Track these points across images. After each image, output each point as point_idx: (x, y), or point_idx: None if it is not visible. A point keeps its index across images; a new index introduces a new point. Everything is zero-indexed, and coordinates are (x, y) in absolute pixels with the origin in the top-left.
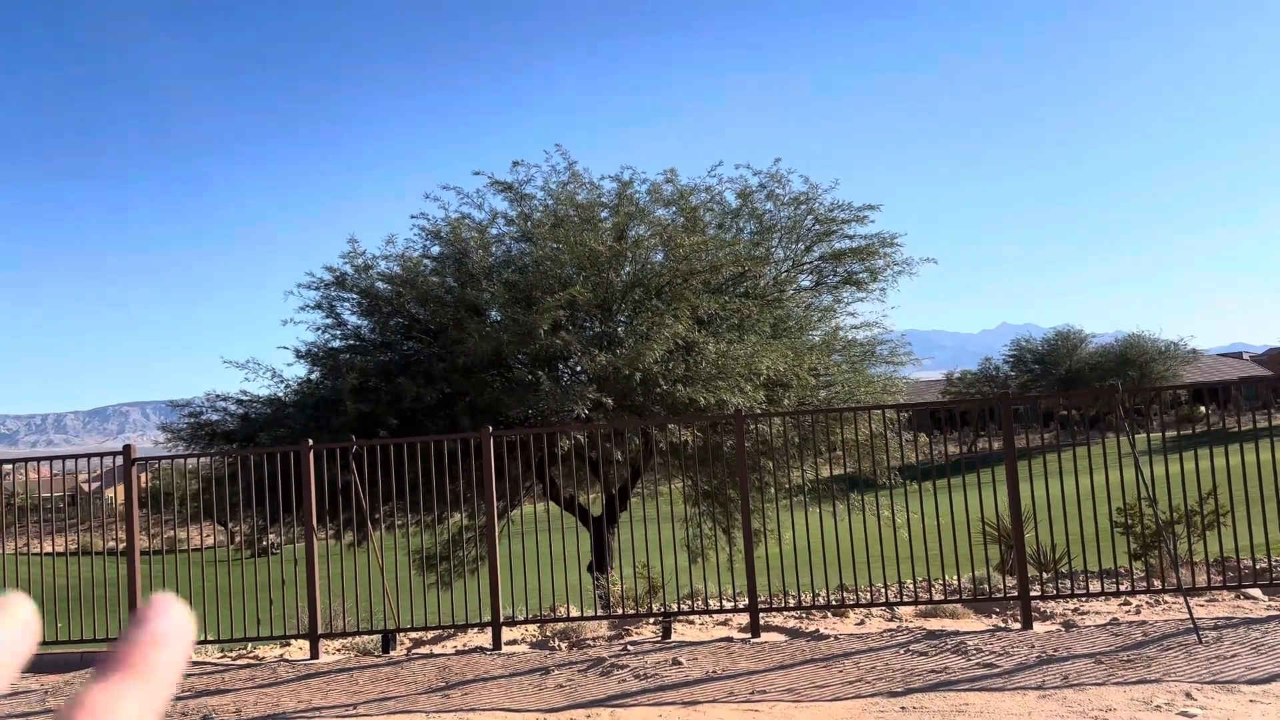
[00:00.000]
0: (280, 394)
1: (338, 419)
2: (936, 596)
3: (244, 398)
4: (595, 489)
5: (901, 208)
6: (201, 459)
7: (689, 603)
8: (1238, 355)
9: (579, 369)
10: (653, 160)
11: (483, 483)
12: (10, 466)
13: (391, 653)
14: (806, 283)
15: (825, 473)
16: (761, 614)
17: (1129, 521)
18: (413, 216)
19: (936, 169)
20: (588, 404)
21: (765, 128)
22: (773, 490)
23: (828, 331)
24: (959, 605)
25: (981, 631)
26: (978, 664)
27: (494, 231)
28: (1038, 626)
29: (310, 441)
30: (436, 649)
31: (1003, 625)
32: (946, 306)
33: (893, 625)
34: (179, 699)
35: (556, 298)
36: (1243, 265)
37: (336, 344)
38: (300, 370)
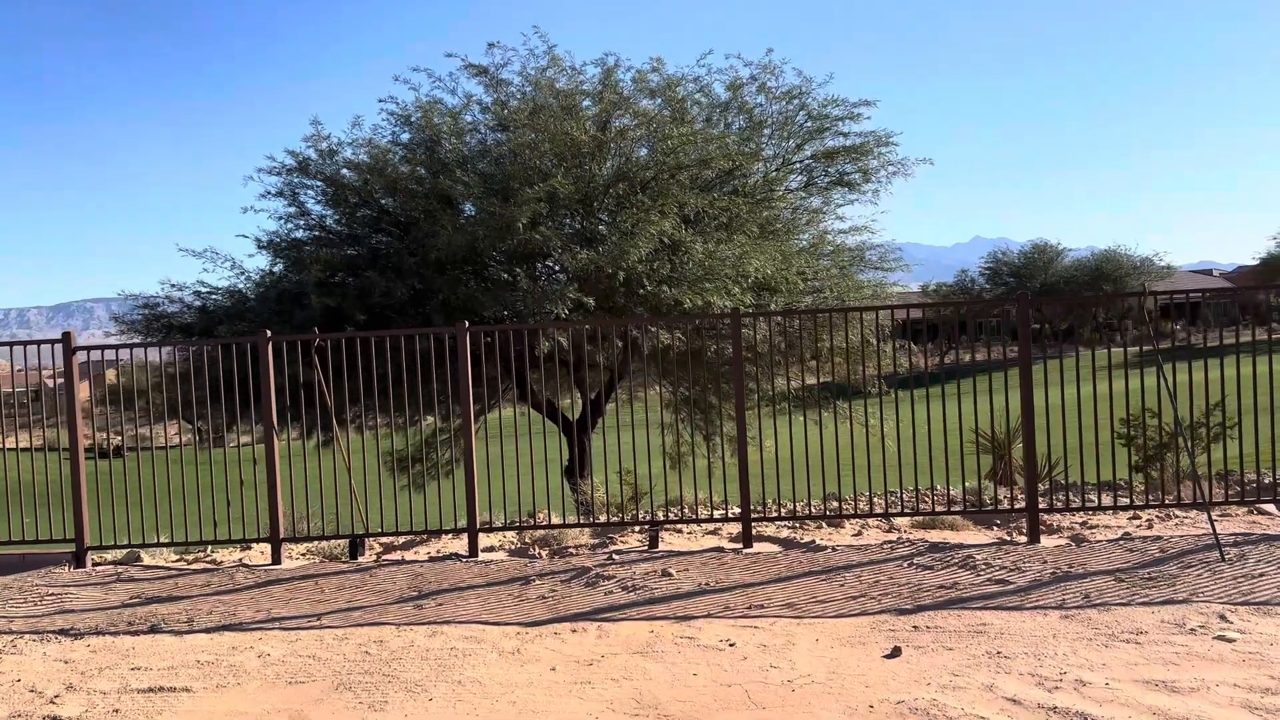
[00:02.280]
0: (241, 286)
1: (301, 313)
2: (938, 508)
3: (202, 289)
4: (574, 394)
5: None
6: (151, 350)
7: (677, 510)
8: (1207, 272)
9: (559, 267)
10: (638, 50)
11: (458, 382)
12: None
13: (360, 559)
14: (795, 183)
15: (813, 380)
16: (754, 524)
17: (1131, 432)
18: (381, 101)
19: (906, 69)
20: (568, 304)
21: (738, 20)
22: (756, 397)
23: (815, 235)
24: (958, 518)
25: (987, 545)
26: (989, 580)
27: (468, 118)
28: (1045, 541)
29: (269, 333)
30: (408, 555)
31: (1008, 539)
32: (919, 218)
33: (891, 537)
34: (126, 606)
35: (535, 189)
36: (1212, 185)
37: (300, 234)
38: (262, 261)
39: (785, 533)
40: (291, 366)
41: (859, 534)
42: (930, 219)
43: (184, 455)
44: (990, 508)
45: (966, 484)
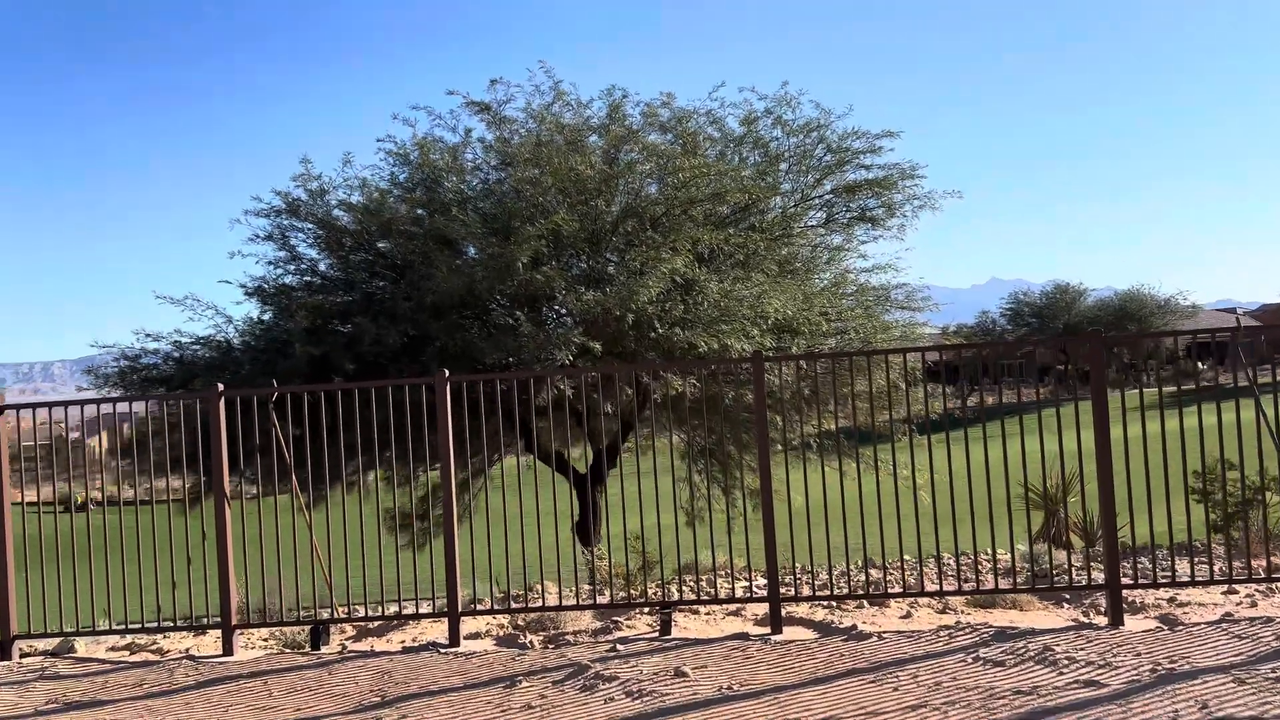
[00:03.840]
0: (227, 335)
1: (285, 363)
2: (1001, 583)
3: (181, 338)
4: (581, 444)
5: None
6: (88, 408)
7: (692, 583)
8: (1230, 310)
9: (564, 310)
10: (647, 86)
11: (436, 439)
12: None
13: (323, 649)
14: (815, 219)
15: (843, 426)
16: (783, 603)
17: (1208, 486)
18: (379, 140)
19: (915, 108)
20: (573, 349)
21: (756, 56)
22: (780, 447)
23: (837, 273)
24: (1022, 594)
25: (1062, 630)
26: (1076, 680)
27: (469, 156)
28: (1130, 623)
29: (220, 387)
30: (379, 644)
31: (1085, 621)
32: (935, 259)
33: (947, 620)
34: (38, 716)
35: (537, 227)
36: (1228, 222)
37: (291, 280)
38: (250, 309)
39: (820, 613)
40: (247, 422)
41: (908, 615)
42: (946, 260)
43: (137, 523)
44: (1062, 583)
45: (1019, 547)
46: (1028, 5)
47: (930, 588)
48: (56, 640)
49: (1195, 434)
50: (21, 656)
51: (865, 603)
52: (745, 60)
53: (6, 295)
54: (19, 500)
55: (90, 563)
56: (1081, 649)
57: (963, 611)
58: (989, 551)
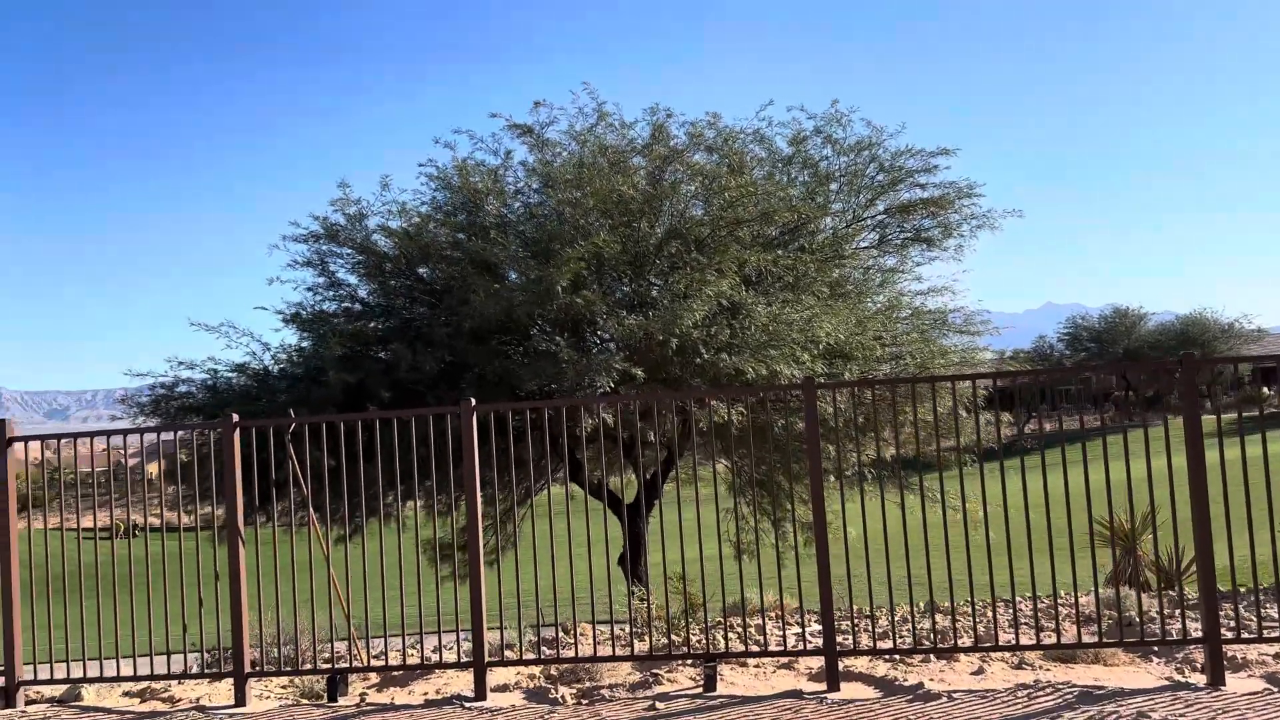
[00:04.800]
0: (265, 363)
1: (320, 391)
2: (1080, 634)
3: (216, 366)
4: (624, 473)
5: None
6: (98, 439)
7: (739, 628)
8: None
9: (606, 335)
10: (692, 108)
11: (462, 471)
12: None
13: (341, 700)
14: (867, 240)
15: (898, 456)
16: (840, 656)
17: None
18: (420, 164)
19: (971, 126)
20: (614, 375)
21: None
22: (834, 478)
23: (891, 296)
24: (1104, 645)
25: (1156, 691)
26: None
27: (510, 179)
28: (1232, 682)
29: (235, 417)
30: (400, 696)
31: (1180, 679)
32: (987, 283)
33: (1024, 676)
34: None
35: (578, 249)
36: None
37: (330, 306)
38: (289, 336)
39: (882, 667)
40: (266, 455)
41: (980, 671)
42: (999, 284)
43: (147, 555)
44: (1153, 635)
45: (1099, 591)
46: (1072, 24)
47: (1004, 638)
48: (64, 688)
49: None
50: (27, 704)
51: (932, 656)
52: (793, 80)
53: (73, 322)
54: (67, 526)
55: (98, 597)
56: (1181, 715)
57: (1041, 666)
58: (1063, 593)
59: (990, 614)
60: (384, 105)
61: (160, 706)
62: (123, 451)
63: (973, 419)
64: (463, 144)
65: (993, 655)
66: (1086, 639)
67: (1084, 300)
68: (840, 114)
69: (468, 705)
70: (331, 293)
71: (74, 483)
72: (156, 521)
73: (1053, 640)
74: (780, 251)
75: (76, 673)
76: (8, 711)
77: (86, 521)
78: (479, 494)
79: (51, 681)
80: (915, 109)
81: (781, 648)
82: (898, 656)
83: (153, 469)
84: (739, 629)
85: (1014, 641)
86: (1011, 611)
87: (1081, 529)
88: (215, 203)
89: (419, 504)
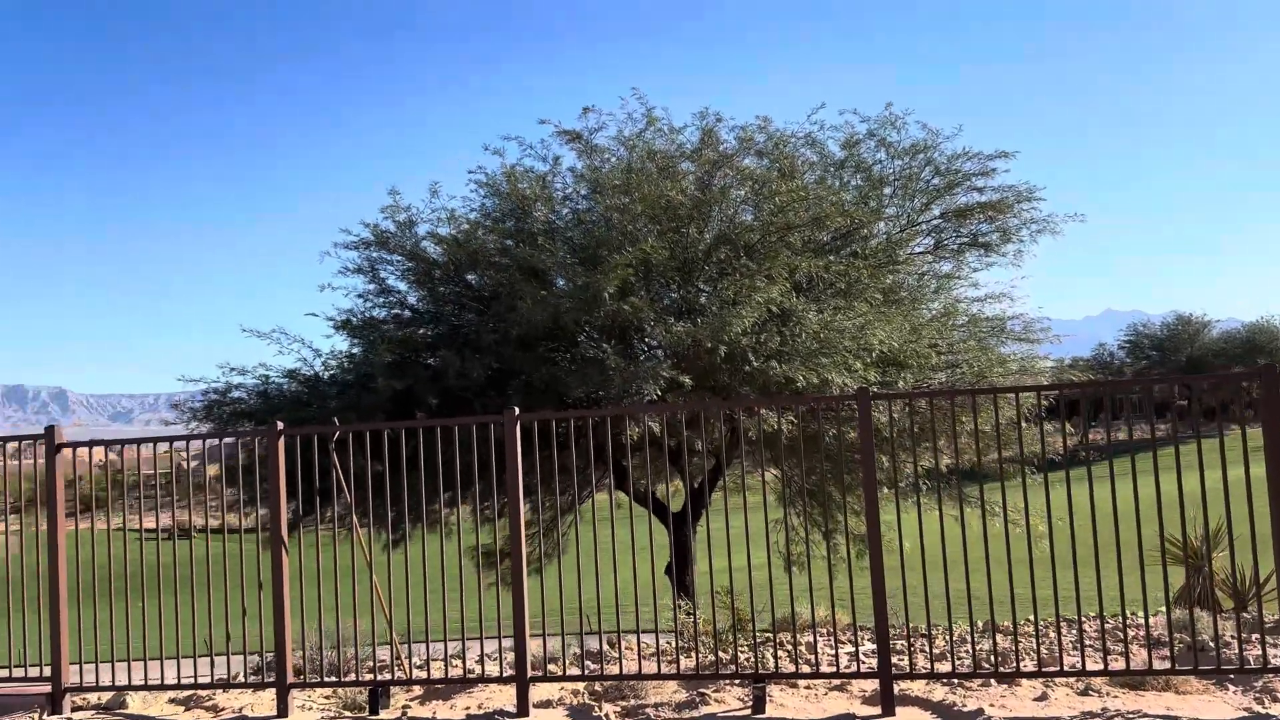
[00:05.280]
0: (316, 369)
1: (369, 398)
2: (1151, 659)
3: (267, 371)
4: (672, 481)
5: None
6: (144, 446)
7: (789, 644)
8: None
9: (654, 342)
10: (743, 110)
11: (505, 480)
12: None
13: (382, 713)
14: (922, 246)
15: (954, 467)
16: (895, 679)
17: None
18: (470, 171)
19: (1035, 132)
20: (661, 383)
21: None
22: (887, 489)
23: (947, 302)
24: (1177, 672)
25: None
26: None
27: (558, 185)
28: None
29: (279, 425)
30: (443, 709)
31: (1260, 710)
32: (1045, 289)
33: (1090, 703)
34: None
35: (625, 255)
36: None
37: (380, 313)
38: (340, 343)
39: (939, 691)
40: (306, 459)
41: (1043, 697)
42: (1057, 290)
43: (191, 564)
44: (1230, 662)
45: (1162, 612)
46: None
47: (1069, 662)
48: (109, 694)
49: None
50: (73, 710)
51: (992, 680)
52: (845, 83)
53: (139, 326)
54: (115, 528)
55: (143, 599)
56: None
57: (1108, 693)
58: (1130, 613)
59: (1053, 635)
60: (434, 113)
61: (204, 716)
62: (169, 456)
63: (1032, 429)
64: (512, 150)
65: (1056, 680)
66: (1157, 664)
67: (1145, 307)
68: (894, 117)
69: None
70: (382, 299)
71: (120, 486)
72: (207, 524)
73: (1121, 665)
74: (832, 257)
75: (122, 675)
76: (54, 718)
77: (137, 523)
78: (522, 503)
79: (97, 688)
80: (973, 112)
81: (834, 669)
82: (956, 680)
83: (213, 470)
84: (789, 646)
85: (1080, 666)
86: (1075, 633)
87: (1148, 545)
88: (280, 205)
89: (465, 511)
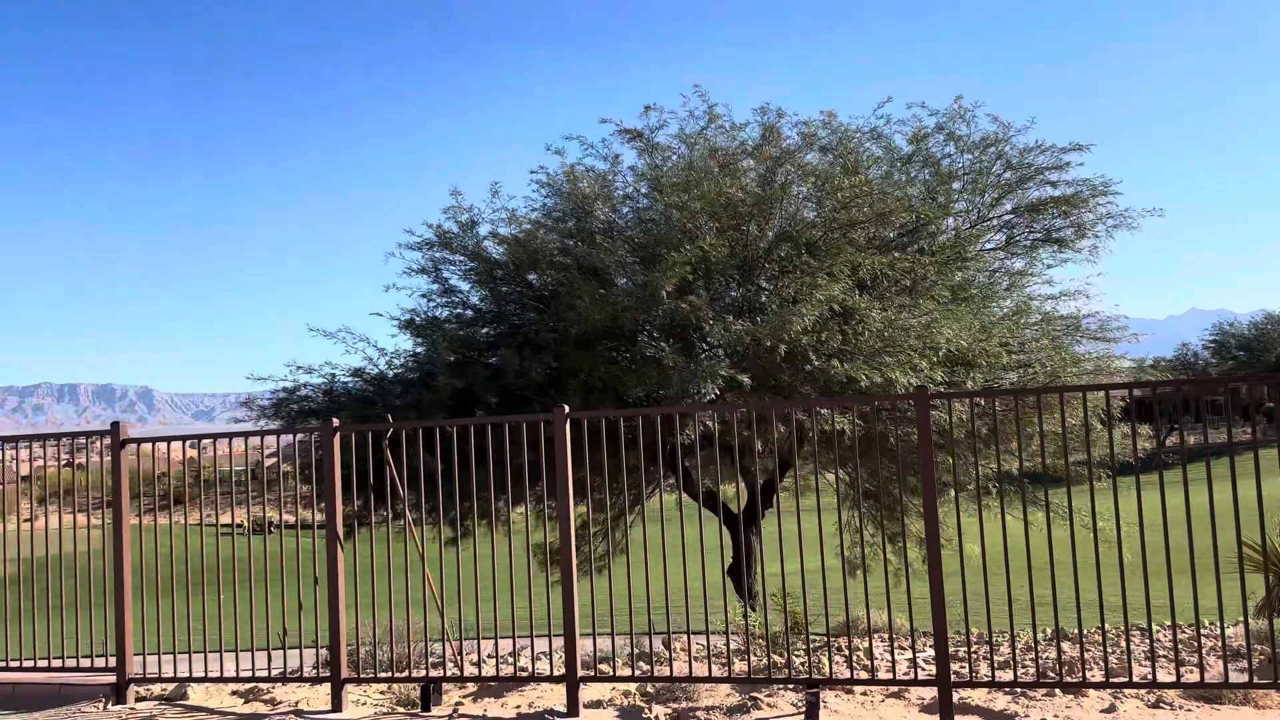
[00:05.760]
0: (380, 368)
1: (429, 396)
2: (1227, 672)
3: (333, 370)
4: (735, 482)
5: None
6: (203, 441)
7: (845, 650)
8: None
9: (714, 341)
10: (806, 104)
11: (556, 479)
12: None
13: (434, 709)
14: (993, 242)
15: (1020, 468)
16: (955, 688)
17: None
18: (532, 172)
19: (1115, 125)
20: (719, 382)
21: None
22: (952, 491)
23: (1019, 300)
24: (1257, 686)
25: None
26: None
27: (618, 184)
28: None
29: (335, 422)
30: (494, 706)
31: None
32: (1126, 288)
33: (1160, 716)
34: None
35: (683, 253)
36: None
37: (442, 312)
38: (405, 342)
39: (1001, 700)
40: (361, 460)
41: (1111, 709)
42: (1139, 288)
43: (250, 559)
44: None
45: (1243, 622)
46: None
47: (1139, 672)
48: (172, 685)
49: None
50: (137, 700)
51: (1057, 690)
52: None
53: (222, 327)
54: (208, 522)
55: (204, 592)
56: None
57: (1181, 707)
58: (1206, 623)
59: (1123, 644)
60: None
61: (261, 709)
62: (229, 453)
63: (1106, 431)
64: (573, 149)
65: (1126, 692)
66: (1235, 677)
67: (1231, 305)
68: (964, 110)
69: None
70: (444, 299)
71: (183, 481)
72: (265, 519)
73: (1195, 678)
74: (897, 254)
75: (184, 666)
76: (118, 708)
77: (197, 518)
78: (572, 503)
79: (160, 679)
80: (1042, 109)
81: (891, 675)
82: (1019, 689)
83: (284, 467)
84: (844, 652)
85: (1151, 677)
86: (1148, 642)
87: (1227, 551)
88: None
89: (521, 509)
